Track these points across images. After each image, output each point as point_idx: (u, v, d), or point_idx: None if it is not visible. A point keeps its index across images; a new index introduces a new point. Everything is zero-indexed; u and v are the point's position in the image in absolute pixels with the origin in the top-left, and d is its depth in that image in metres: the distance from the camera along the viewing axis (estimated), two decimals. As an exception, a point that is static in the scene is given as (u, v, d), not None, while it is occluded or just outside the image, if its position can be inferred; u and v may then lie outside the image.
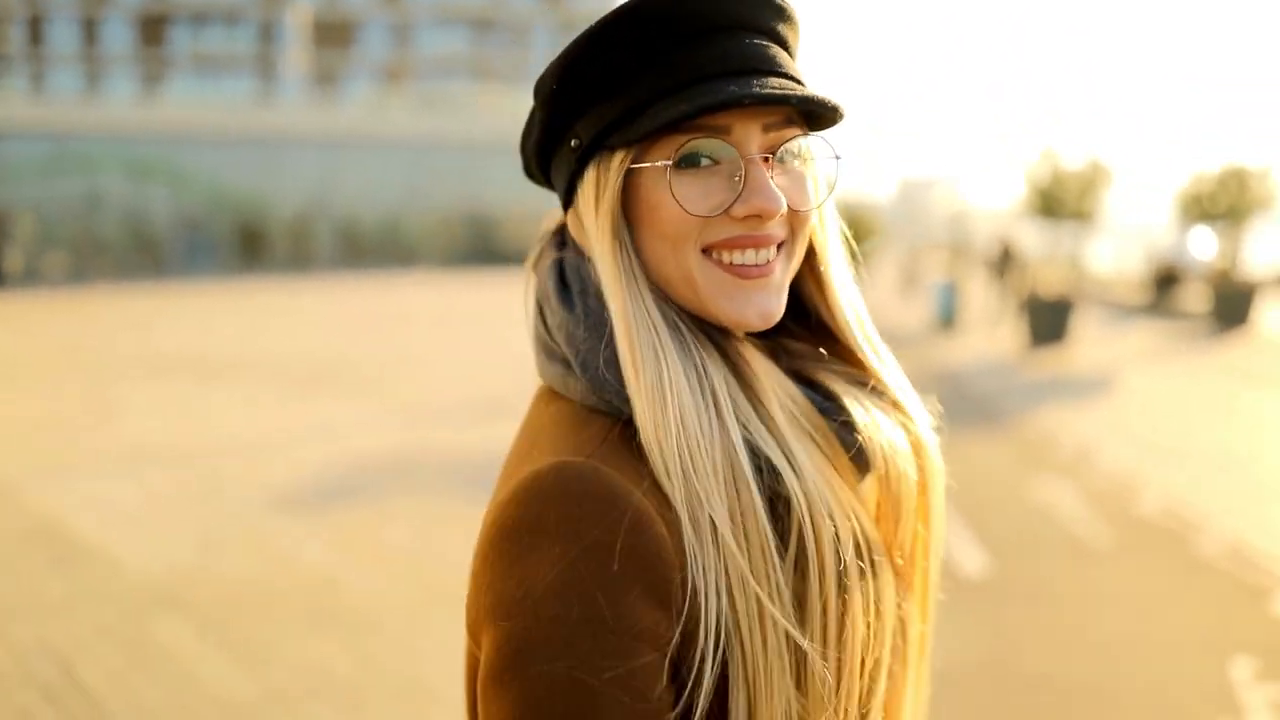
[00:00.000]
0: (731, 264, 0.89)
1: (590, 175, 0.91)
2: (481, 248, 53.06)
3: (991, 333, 17.99)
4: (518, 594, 0.78)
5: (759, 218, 0.88)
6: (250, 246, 50.93)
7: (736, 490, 0.84)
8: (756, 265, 0.90)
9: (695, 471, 0.83)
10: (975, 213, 24.62)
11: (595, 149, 0.90)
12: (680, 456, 0.83)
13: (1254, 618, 4.93)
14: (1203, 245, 25.38)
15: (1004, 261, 20.16)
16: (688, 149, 0.87)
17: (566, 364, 0.91)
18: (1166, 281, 24.01)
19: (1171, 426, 9.80)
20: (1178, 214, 21.30)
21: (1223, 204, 20.03)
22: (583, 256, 0.94)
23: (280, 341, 16.18)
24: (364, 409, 10.13)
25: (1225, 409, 10.84)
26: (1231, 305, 19.35)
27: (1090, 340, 16.75)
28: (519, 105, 52.64)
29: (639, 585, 0.78)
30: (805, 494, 0.86)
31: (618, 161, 0.89)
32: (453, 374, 12.75)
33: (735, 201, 0.87)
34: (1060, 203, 16.25)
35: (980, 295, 21.77)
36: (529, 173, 1.00)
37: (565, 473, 0.81)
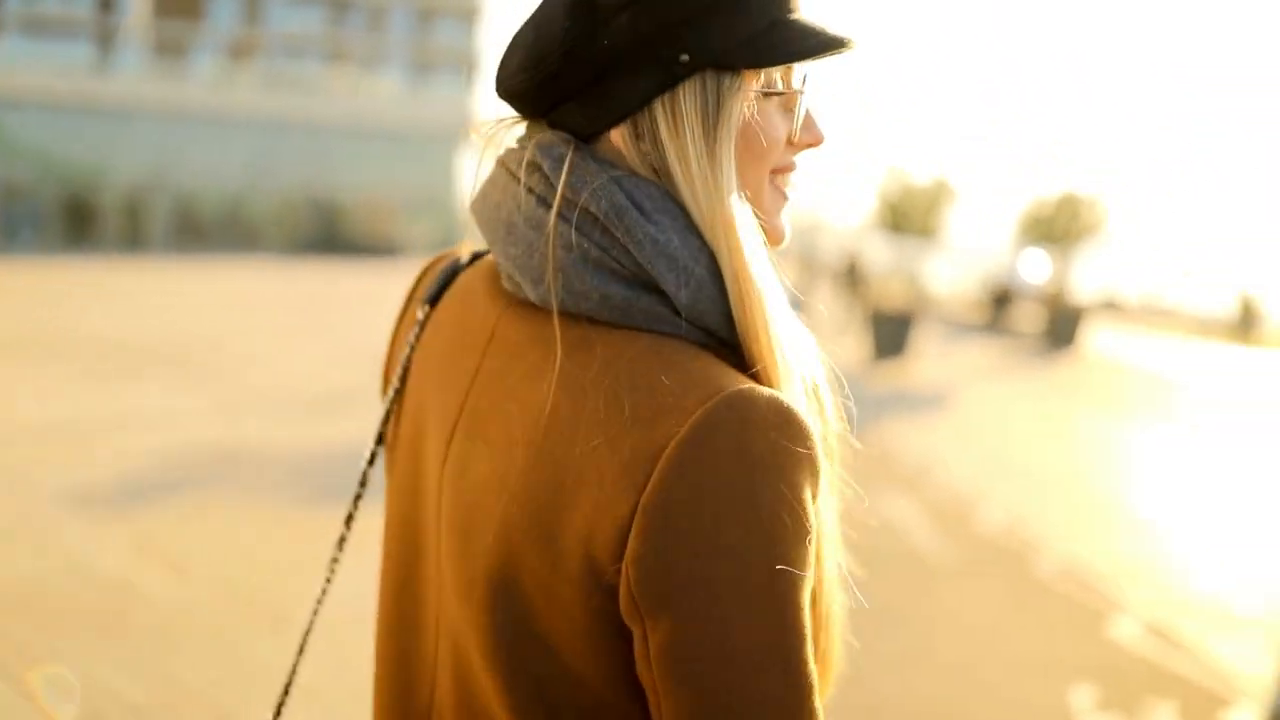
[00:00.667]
0: (781, 188, 0.94)
1: (694, 94, 0.84)
2: (327, 235, 51.54)
3: (837, 344, 18.21)
4: (759, 517, 0.76)
5: (812, 146, 0.93)
6: (80, 221, 48.31)
7: (820, 416, 0.92)
8: (790, 191, 0.96)
9: (802, 396, 0.88)
10: (824, 226, 25.00)
11: (706, 65, 0.84)
12: (796, 382, 0.87)
13: (1092, 641, 4.93)
14: (1034, 268, 26.39)
15: (851, 275, 20.48)
16: (802, 81, 0.89)
17: (642, 286, 0.84)
18: (1002, 301, 24.84)
19: (1007, 444, 9.99)
20: (1018, 236, 22.08)
21: (1058, 228, 20.82)
22: (631, 175, 0.86)
23: (104, 324, 15.21)
24: (189, 399, 9.50)
25: (1057, 428, 11.14)
26: (1061, 326, 20.12)
27: (930, 356, 17.11)
28: (374, 89, 51.51)
29: (814, 497, 0.80)
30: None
31: (744, 83, 0.85)
32: (288, 366, 12.15)
33: (801, 131, 0.91)
34: (907, 218, 16.56)
35: (827, 307, 22.09)
36: (547, 78, 0.86)
37: (754, 399, 0.78)
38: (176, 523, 5.79)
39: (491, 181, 0.93)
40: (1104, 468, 9.26)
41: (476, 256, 1.04)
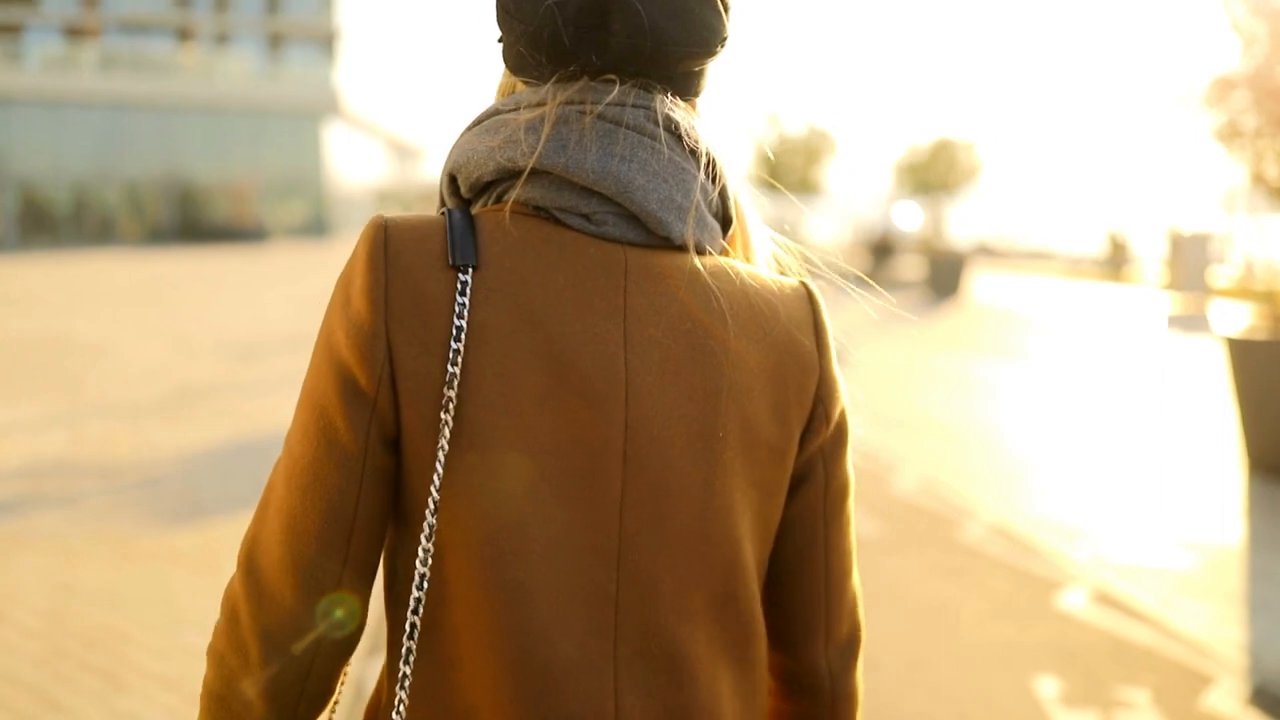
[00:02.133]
0: None
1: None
2: (186, 222, 49.23)
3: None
4: (840, 375, 1.06)
5: None
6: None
7: None
8: None
9: None
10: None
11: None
12: None
13: (1044, 616, 4.47)
14: (907, 217, 26.40)
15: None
16: None
17: (725, 222, 1.02)
18: (881, 252, 24.76)
19: (908, 400, 9.61)
20: (894, 186, 21.87)
21: (934, 176, 20.63)
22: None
23: (-72, 327, 13.89)
24: (24, 406, 8.51)
25: (953, 380, 10.83)
26: (944, 275, 20.02)
27: (819, 311, 16.82)
28: (227, 67, 49.21)
29: None
30: None
31: None
32: (143, 362, 11.14)
33: None
34: (786, 170, 16.05)
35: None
36: (706, 50, 0.97)
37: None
38: (-11, 556, 4.95)
39: (593, 135, 0.94)
40: (1009, 420, 8.93)
41: (462, 215, 0.97)
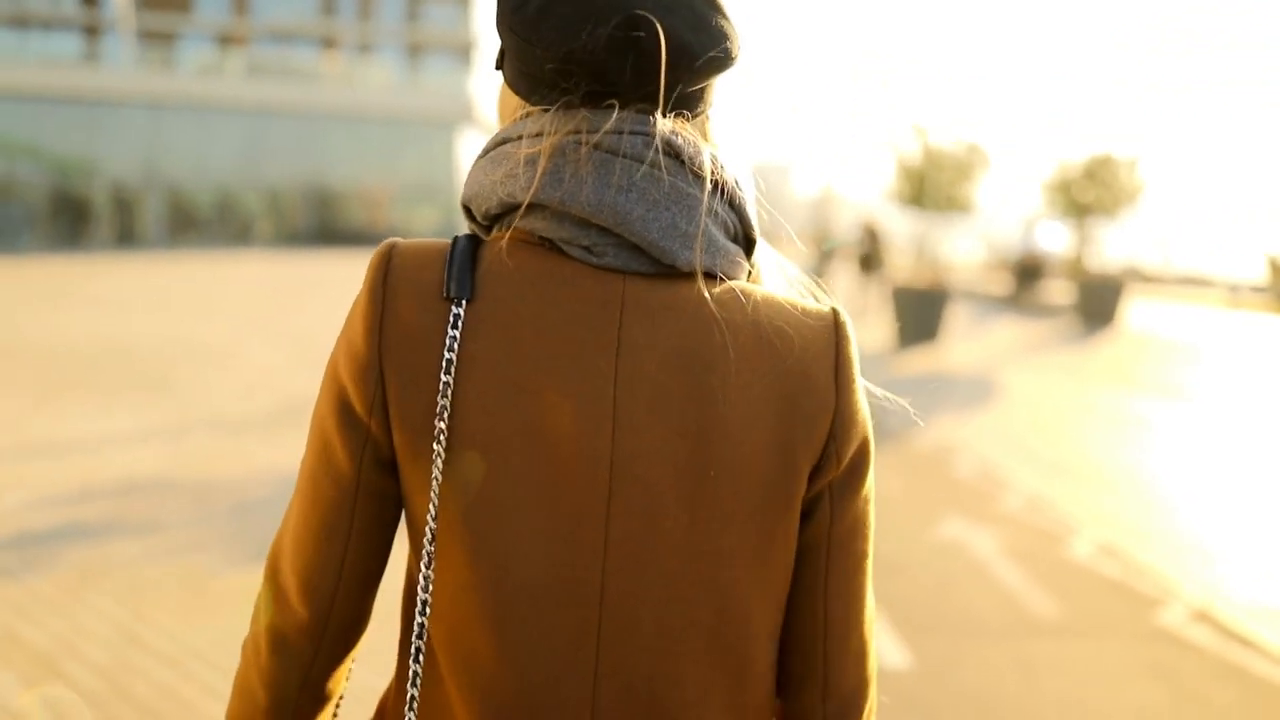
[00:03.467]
0: None
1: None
2: (322, 226, 50.16)
3: (858, 325, 16.89)
4: (864, 411, 1.00)
5: None
6: (72, 218, 47.03)
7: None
8: None
9: None
10: (839, 200, 23.56)
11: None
12: None
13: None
14: (1053, 237, 25.03)
15: (870, 248, 19.11)
16: None
17: (747, 245, 1.00)
18: (1028, 274, 23.47)
19: (1071, 443, 8.67)
20: (1045, 205, 20.58)
21: (1090, 195, 19.32)
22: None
23: (70, 327, 13.95)
24: (126, 415, 8.22)
25: (1121, 420, 9.82)
26: (1097, 301, 18.75)
27: (960, 336, 15.79)
28: (367, 76, 50.15)
29: None
30: None
31: None
32: (259, 370, 10.87)
33: None
34: (934, 187, 15.05)
35: (845, 286, 20.76)
36: (728, 58, 0.97)
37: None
38: (55, 591, 4.50)
39: (590, 166, 0.93)
40: (1189, 471, 7.95)
41: (468, 240, 0.98)
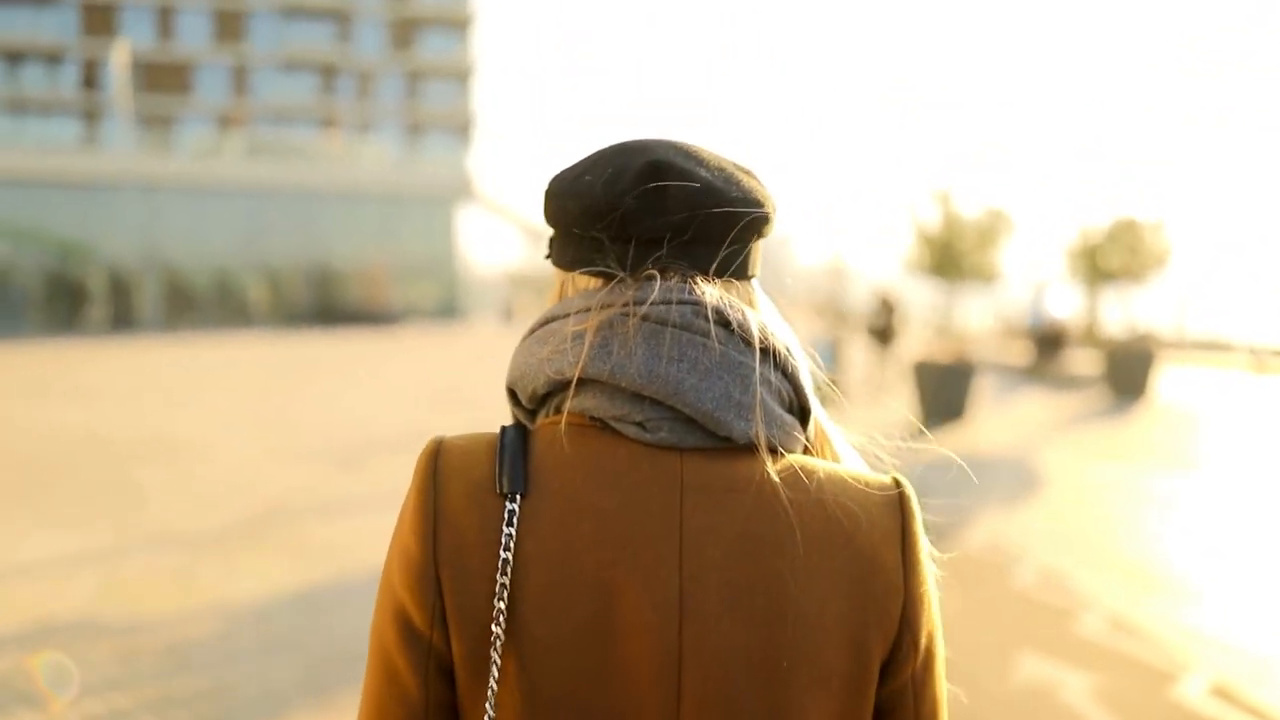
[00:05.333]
0: None
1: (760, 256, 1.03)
2: (322, 305, 49.49)
3: (877, 402, 15.95)
4: (932, 594, 0.97)
5: None
6: (67, 301, 46.45)
7: None
8: None
9: None
10: (850, 271, 22.84)
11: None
12: None
13: None
14: (1064, 304, 24.19)
15: (886, 319, 18.23)
16: None
17: (802, 414, 0.97)
18: (1048, 343, 22.55)
19: (1130, 538, 7.67)
20: (1067, 271, 19.73)
21: (1114, 260, 18.47)
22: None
23: (30, 420, 13.04)
24: (66, 533, 7.27)
25: (1176, 507, 8.82)
26: (1127, 372, 17.81)
27: (987, 413, 14.83)
28: (366, 153, 49.96)
29: None
30: None
31: None
32: (229, 471, 9.93)
33: None
34: (958, 255, 14.19)
35: (860, 359, 19.89)
36: (761, 211, 0.98)
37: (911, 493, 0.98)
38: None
39: (639, 338, 0.92)
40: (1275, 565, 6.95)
41: (514, 440, 0.95)
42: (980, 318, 24.13)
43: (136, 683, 4.48)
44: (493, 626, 0.87)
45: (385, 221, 50.91)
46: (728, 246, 0.95)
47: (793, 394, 0.96)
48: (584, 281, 0.97)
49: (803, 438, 0.97)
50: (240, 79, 59.00)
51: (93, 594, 5.79)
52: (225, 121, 57.94)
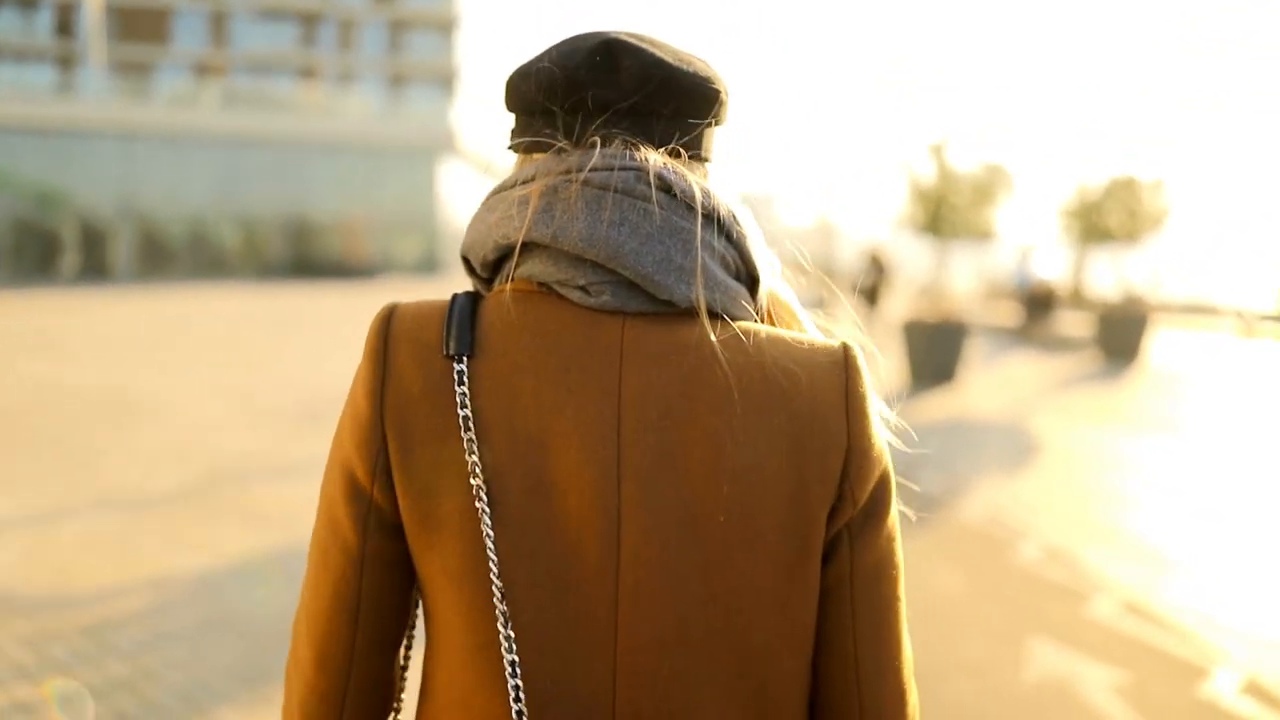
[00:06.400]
0: None
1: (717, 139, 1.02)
2: (301, 258, 48.65)
3: (865, 363, 15.49)
4: (880, 446, 0.97)
5: None
6: (42, 250, 45.56)
7: None
8: None
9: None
10: (839, 230, 22.22)
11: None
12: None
13: None
14: (1050, 266, 23.76)
15: (876, 278, 17.75)
16: None
17: (751, 281, 0.98)
18: (1038, 305, 22.12)
19: (1133, 510, 7.25)
20: (1061, 230, 19.21)
21: (1112, 220, 17.98)
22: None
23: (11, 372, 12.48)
24: (7, 494, 6.77)
25: (1181, 475, 8.41)
26: (1120, 335, 17.41)
27: (977, 376, 14.41)
28: (347, 105, 48.95)
29: None
30: None
31: None
32: (186, 429, 9.42)
33: None
34: (953, 210, 13.67)
35: (849, 320, 19.36)
36: (712, 91, 0.98)
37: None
38: None
39: (580, 203, 0.93)
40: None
41: (466, 298, 0.98)
42: (968, 278, 23.63)
43: (48, 669, 4.00)
44: (471, 480, 0.90)
45: (366, 174, 49.98)
46: (677, 121, 0.97)
47: (739, 261, 0.97)
48: (539, 158, 0.98)
49: (750, 306, 0.97)
50: (219, 27, 57.75)
51: (15, 562, 5.29)
52: (203, 70, 56.78)
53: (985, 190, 13.98)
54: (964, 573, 5.60)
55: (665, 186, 0.93)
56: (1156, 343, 18.58)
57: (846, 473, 0.94)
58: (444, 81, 60.78)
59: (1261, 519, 7.17)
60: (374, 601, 0.95)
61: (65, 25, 55.45)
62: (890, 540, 0.98)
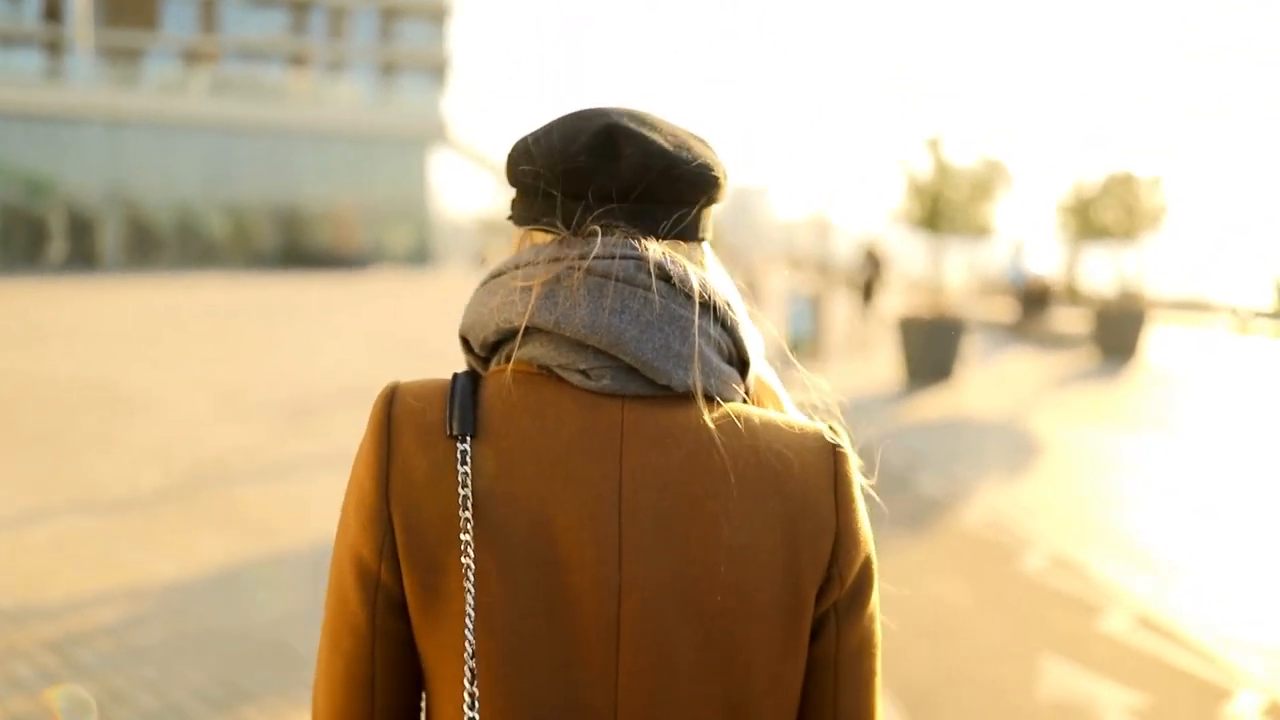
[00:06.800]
0: None
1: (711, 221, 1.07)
2: (290, 247, 48.29)
3: (860, 361, 15.32)
4: (865, 530, 1.00)
5: None
6: (29, 237, 45.16)
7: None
8: None
9: None
10: (834, 225, 22.00)
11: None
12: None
13: None
14: (1043, 261, 23.59)
15: (871, 274, 17.56)
16: None
17: (741, 365, 1.01)
18: (1033, 302, 21.93)
19: (1139, 515, 7.08)
20: (1058, 226, 19.02)
21: (1109, 216, 17.80)
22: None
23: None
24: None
25: (1182, 475, 8.24)
26: (1117, 332, 17.23)
27: (974, 373, 14.24)
28: (338, 93, 48.55)
29: None
30: None
31: None
32: (169, 427, 9.20)
33: None
34: (950, 206, 13.48)
35: (842, 316, 19.22)
36: (712, 177, 1.01)
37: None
38: None
39: (583, 290, 0.95)
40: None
41: (470, 379, 1.00)
42: (961, 273, 23.43)
43: (9, 689, 3.78)
44: (462, 559, 0.91)
45: (356, 163, 49.64)
46: (676, 208, 0.99)
47: (732, 346, 1.00)
48: (539, 237, 1.02)
49: (741, 389, 1.00)
50: (209, 13, 57.19)
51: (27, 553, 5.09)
52: (192, 57, 56.24)
53: (983, 185, 13.78)
54: (969, 583, 5.42)
55: (665, 276, 0.96)
56: (1153, 339, 18.45)
57: (835, 555, 0.97)
58: (436, 70, 60.36)
59: (1272, 523, 7.00)
60: (388, 675, 0.97)
61: (53, 10, 54.85)
62: (872, 620, 1.02)
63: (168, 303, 23.87)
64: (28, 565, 5.17)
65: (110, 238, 46.38)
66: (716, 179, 1.01)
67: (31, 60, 54.75)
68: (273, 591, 4.92)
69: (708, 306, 0.98)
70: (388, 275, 42.00)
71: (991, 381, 13.75)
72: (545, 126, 1.01)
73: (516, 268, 0.99)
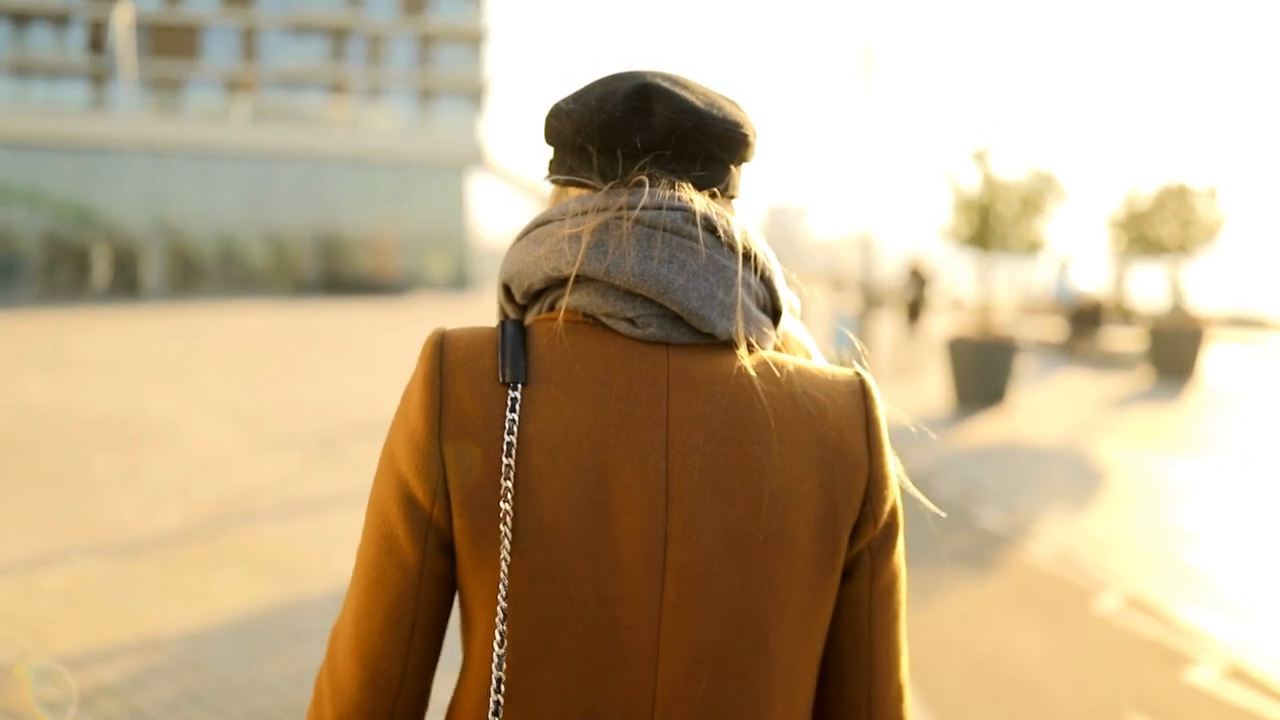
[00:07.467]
0: None
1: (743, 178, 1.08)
2: (330, 274, 48.40)
3: (907, 383, 14.86)
4: (893, 471, 1.03)
5: None
6: (73, 268, 45.60)
7: None
8: None
9: None
10: (878, 243, 21.49)
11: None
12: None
13: None
14: (1090, 279, 22.99)
15: (917, 293, 17.10)
16: None
17: (775, 315, 1.03)
18: (1085, 320, 21.33)
19: (1235, 558, 6.61)
20: (1109, 242, 18.44)
21: (1162, 230, 17.22)
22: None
23: (27, 395, 12.08)
24: (13, 534, 6.30)
25: (1272, 515, 7.75)
26: (1174, 351, 16.65)
27: (1027, 395, 13.74)
28: (376, 119, 48.76)
29: None
30: None
31: None
32: (191, 461, 8.94)
33: None
34: (999, 222, 13.01)
35: (888, 337, 18.75)
36: (741, 134, 1.02)
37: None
38: None
39: (632, 240, 0.96)
40: None
41: (514, 326, 1.00)
42: (1008, 292, 22.84)
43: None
44: (501, 504, 0.92)
45: (395, 189, 49.77)
46: (708, 164, 1.01)
47: (767, 296, 1.02)
48: (575, 193, 1.03)
49: (774, 335, 1.03)
50: (249, 42, 57.77)
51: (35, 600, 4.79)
52: (233, 86, 56.78)
53: (1034, 200, 13.31)
54: (1042, 630, 5.00)
55: (710, 227, 0.98)
56: (1209, 358, 17.83)
57: (869, 495, 0.99)
58: (473, 95, 60.56)
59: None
60: (427, 619, 0.97)
61: (97, 42, 55.61)
62: (901, 556, 1.05)
63: (205, 331, 23.82)
64: (35, 616, 4.88)
65: (153, 266, 46.71)
66: (746, 136, 1.02)
67: (76, 91, 55.51)
68: (295, 643, 4.60)
69: (748, 258, 1.00)
70: (426, 301, 41.92)
71: (1046, 404, 13.26)
72: (582, 88, 1.03)
73: (563, 217, 1.00)
